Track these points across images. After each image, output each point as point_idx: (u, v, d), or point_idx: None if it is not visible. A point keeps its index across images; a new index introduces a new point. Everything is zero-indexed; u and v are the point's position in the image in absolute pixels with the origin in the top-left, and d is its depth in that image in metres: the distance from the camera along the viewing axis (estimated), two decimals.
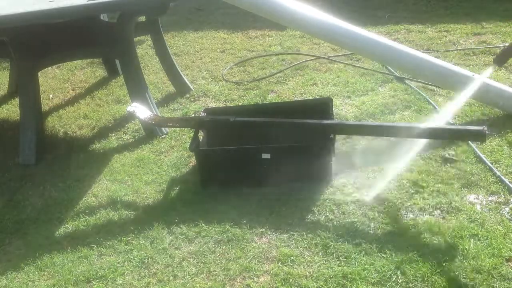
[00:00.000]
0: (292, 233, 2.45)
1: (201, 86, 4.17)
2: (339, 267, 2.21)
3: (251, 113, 3.11)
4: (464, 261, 2.17)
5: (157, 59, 4.19)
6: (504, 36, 4.51)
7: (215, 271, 2.28)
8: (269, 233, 2.47)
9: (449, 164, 2.81)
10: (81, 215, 2.75)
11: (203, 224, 2.55)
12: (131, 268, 2.35)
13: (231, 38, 5.21)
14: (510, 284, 2.06)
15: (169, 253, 2.41)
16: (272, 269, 2.25)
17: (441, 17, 5.08)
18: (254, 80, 4.04)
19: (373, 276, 2.15)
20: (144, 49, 5.08)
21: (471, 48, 4.33)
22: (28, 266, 2.43)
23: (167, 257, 2.39)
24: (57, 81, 4.58)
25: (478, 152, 2.85)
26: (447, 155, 2.85)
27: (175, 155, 3.21)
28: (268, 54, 4.60)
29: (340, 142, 3.09)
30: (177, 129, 3.44)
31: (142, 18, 3.89)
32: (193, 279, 2.25)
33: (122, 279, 2.30)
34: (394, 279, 2.13)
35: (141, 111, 3.13)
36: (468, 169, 2.76)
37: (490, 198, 2.56)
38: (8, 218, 2.82)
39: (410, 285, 2.10)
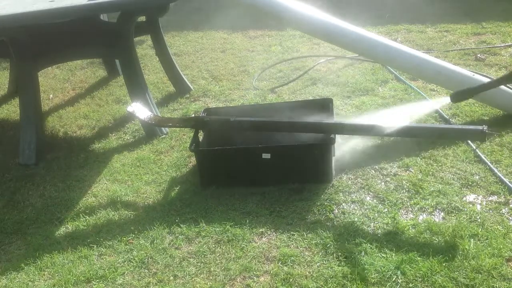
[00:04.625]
0: (292, 233, 2.45)
1: (201, 86, 4.17)
2: (339, 267, 2.21)
3: (251, 113, 3.11)
4: (464, 261, 2.17)
5: (157, 59, 4.19)
6: (504, 36, 4.51)
7: (215, 271, 2.28)
8: (269, 233, 2.47)
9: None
10: (81, 215, 2.75)
11: (203, 224, 2.55)
12: (131, 268, 2.35)
13: (231, 38, 5.22)
14: (510, 284, 2.06)
15: (169, 253, 2.41)
16: (272, 269, 2.25)
17: (441, 17, 5.08)
18: (284, 84, 4.02)
19: (373, 276, 2.15)
20: (144, 49, 5.08)
21: (471, 48, 4.33)
22: (28, 266, 2.43)
23: (167, 257, 2.39)
24: (57, 81, 4.58)
25: (478, 152, 2.85)
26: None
27: (175, 155, 3.21)
28: (304, 56, 4.58)
29: (340, 142, 3.09)
30: (177, 129, 3.44)
31: (142, 18, 3.89)
32: (193, 279, 2.25)
33: (122, 279, 2.30)
34: (394, 279, 2.13)
35: (141, 111, 3.13)
36: (468, 169, 2.76)
37: (490, 198, 2.56)
38: (8, 218, 2.81)
39: (410, 285, 2.10)
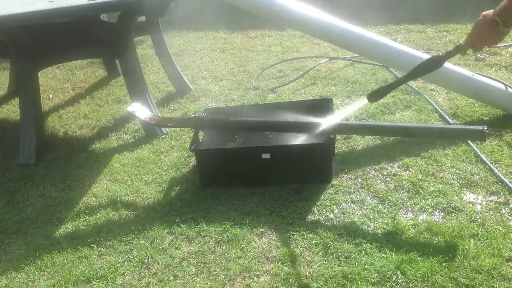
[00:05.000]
0: (292, 233, 2.45)
1: (201, 86, 4.17)
2: (339, 267, 2.21)
3: (251, 113, 3.11)
4: (464, 261, 2.17)
5: (157, 59, 4.19)
6: None
7: (215, 271, 2.28)
8: (269, 233, 2.47)
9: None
10: (81, 215, 2.75)
11: (203, 224, 2.55)
12: (131, 268, 2.35)
13: (231, 38, 5.22)
14: (510, 284, 2.06)
15: (169, 253, 2.41)
16: (272, 269, 2.25)
17: (441, 17, 5.08)
18: (284, 84, 4.02)
19: (373, 276, 2.15)
20: (144, 49, 5.08)
21: None
22: (28, 266, 2.43)
23: (167, 257, 2.39)
24: (57, 81, 4.58)
25: (478, 152, 2.85)
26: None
27: (175, 155, 3.21)
28: (302, 57, 4.58)
29: (340, 142, 3.09)
30: (177, 129, 3.44)
31: (142, 18, 3.89)
32: (193, 279, 2.25)
33: (122, 279, 2.30)
34: (394, 279, 2.13)
35: (141, 111, 3.14)
36: (468, 169, 2.76)
37: (490, 198, 2.56)
38: (8, 218, 2.81)
39: (410, 285, 2.10)
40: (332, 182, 2.76)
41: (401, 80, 2.48)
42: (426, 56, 3.33)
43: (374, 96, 2.58)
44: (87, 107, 4.01)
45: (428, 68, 2.32)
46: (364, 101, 2.69)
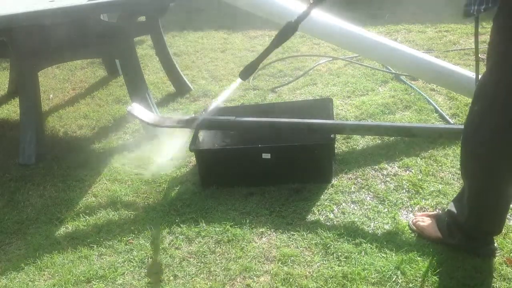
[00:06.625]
0: (292, 233, 2.45)
1: (201, 86, 4.17)
2: (339, 267, 2.21)
3: (251, 113, 3.11)
4: (464, 261, 2.17)
5: (157, 59, 4.19)
6: None
7: (215, 271, 2.28)
8: (269, 233, 2.47)
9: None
10: (81, 215, 2.75)
11: (203, 224, 2.55)
12: (131, 268, 2.35)
13: (231, 38, 5.22)
14: (510, 284, 2.06)
15: (169, 253, 2.41)
16: (272, 269, 2.25)
17: (441, 17, 5.08)
18: (284, 84, 4.02)
19: (373, 276, 2.15)
20: (144, 49, 5.08)
21: (471, 48, 4.33)
22: (28, 266, 2.43)
23: (167, 257, 2.39)
24: (57, 81, 4.58)
25: None
26: None
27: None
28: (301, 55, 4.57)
29: (340, 142, 3.10)
30: (177, 129, 3.43)
31: (142, 18, 3.89)
32: (193, 279, 2.25)
33: (122, 279, 2.30)
34: (394, 279, 2.13)
35: (141, 111, 3.13)
36: None
37: None
38: (8, 218, 2.81)
39: (410, 285, 2.10)
40: (332, 182, 2.77)
41: (266, 51, 2.55)
42: (426, 56, 3.35)
43: (245, 73, 2.67)
44: (87, 107, 4.01)
45: (286, 34, 2.48)
46: (238, 80, 2.78)
